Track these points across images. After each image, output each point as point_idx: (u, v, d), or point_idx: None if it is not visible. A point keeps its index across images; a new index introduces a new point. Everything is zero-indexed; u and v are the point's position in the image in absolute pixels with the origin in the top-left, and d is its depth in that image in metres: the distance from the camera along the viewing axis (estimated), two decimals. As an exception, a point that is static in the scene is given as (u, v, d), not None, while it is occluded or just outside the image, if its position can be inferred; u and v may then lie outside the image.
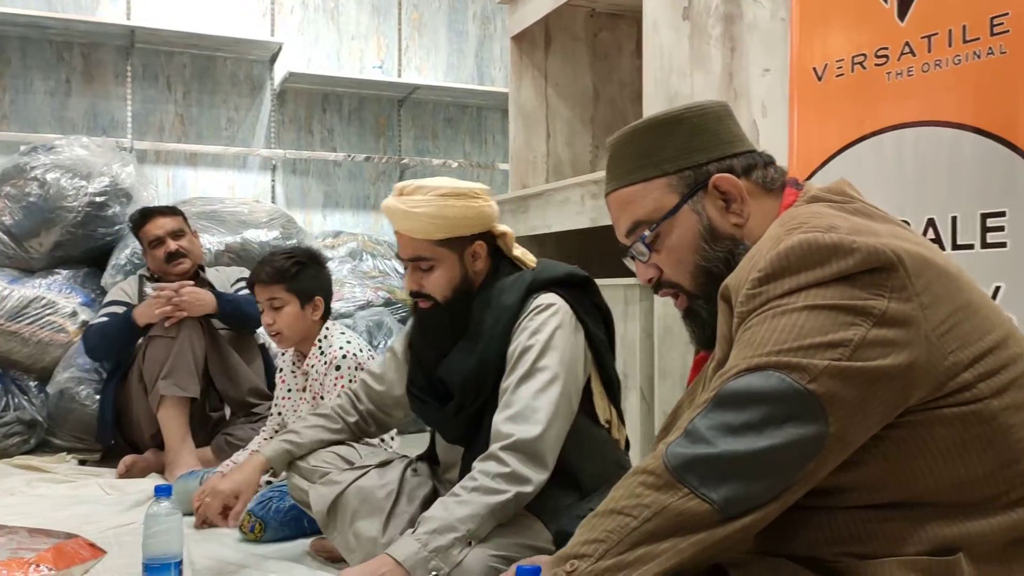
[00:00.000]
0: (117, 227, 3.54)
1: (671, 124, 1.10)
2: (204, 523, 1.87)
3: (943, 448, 0.86)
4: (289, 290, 2.25)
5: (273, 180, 4.58)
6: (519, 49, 3.41)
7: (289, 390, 2.36)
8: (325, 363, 2.24)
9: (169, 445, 2.77)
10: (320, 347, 2.29)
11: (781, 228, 0.95)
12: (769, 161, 1.12)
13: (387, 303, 4.04)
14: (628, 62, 3.43)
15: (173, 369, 2.76)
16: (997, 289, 1.65)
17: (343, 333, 2.33)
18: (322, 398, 2.22)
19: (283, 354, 2.43)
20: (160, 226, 3.06)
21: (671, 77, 2.52)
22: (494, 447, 1.51)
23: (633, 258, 1.15)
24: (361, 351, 2.27)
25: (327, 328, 2.32)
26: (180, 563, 1.63)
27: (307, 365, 2.29)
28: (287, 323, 2.26)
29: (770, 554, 0.92)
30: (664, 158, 1.09)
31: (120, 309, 2.96)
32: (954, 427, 0.86)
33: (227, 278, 3.25)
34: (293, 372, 2.37)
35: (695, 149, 1.09)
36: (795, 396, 0.83)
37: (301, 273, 2.26)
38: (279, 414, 2.37)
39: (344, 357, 2.22)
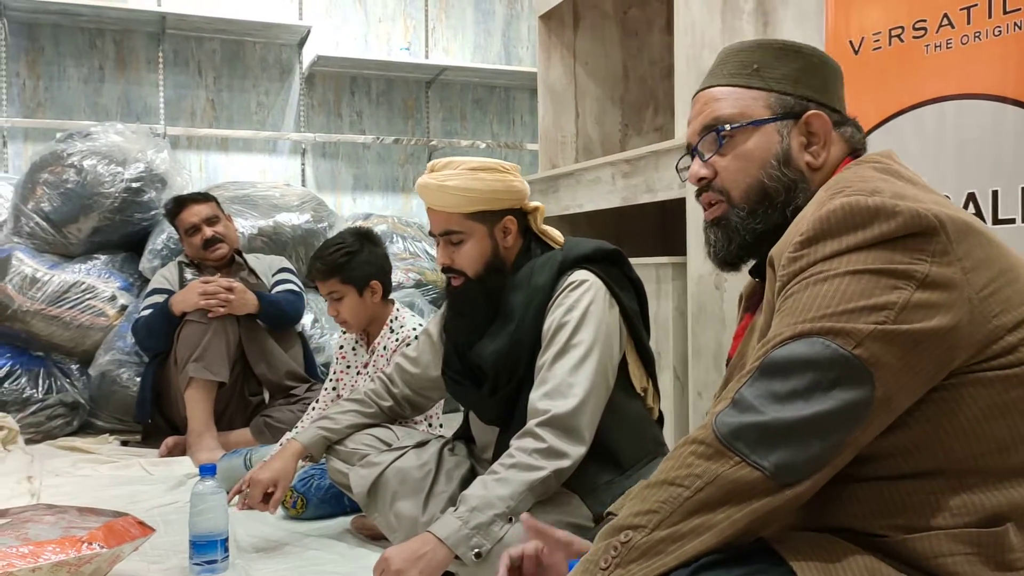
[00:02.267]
0: (153, 212, 3.59)
1: (792, 52, 1.11)
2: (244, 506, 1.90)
3: (984, 408, 0.87)
4: (344, 281, 2.29)
5: (303, 164, 4.61)
6: (547, 28, 3.39)
7: (348, 366, 2.42)
8: (396, 340, 2.31)
9: (192, 427, 2.81)
10: (391, 327, 2.35)
11: (826, 193, 0.96)
12: (859, 128, 1.12)
13: (418, 284, 4.07)
14: (658, 39, 3.40)
15: (205, 352, 2.80)
16: (1039, 264, 1.64)
17: (414, 316, 2.40)
18: None
19: (344, 332, 2.49)
20: (195, 213, 3.10)
21: (703, 53, 2.50)
22: (531, 423, 1.53)
23: (693, 156, 1.13)
24: None
25: (398, 310, 2.39)
26: (226, 540, 1.68)
27: (375, 343, 2.35)
28: (350, 312, 2.32)
29: (814, 529, 0.91)
30: (772, 76, 1.10)
31: (162, 297, 3.01)
32: (995, 389, 0.87)
33: (267, 267, 3.29)
34: (355, 350, 2.43)
35: (804, 84, 1.10)
36: (841, 361, 0.83)
37: (352, 262, 2.30)
38: (333, 389, 2.44)
39: (416, 338, 2.25)
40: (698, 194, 1.15)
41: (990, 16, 1.74)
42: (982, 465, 0.87)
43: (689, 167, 1.15)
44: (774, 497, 0.84)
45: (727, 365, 1.16)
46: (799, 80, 1.09)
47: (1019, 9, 1.69)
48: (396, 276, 4.02)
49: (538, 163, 3.48)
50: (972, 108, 1.77)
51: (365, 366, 2.38)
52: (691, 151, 1.15)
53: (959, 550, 0.84)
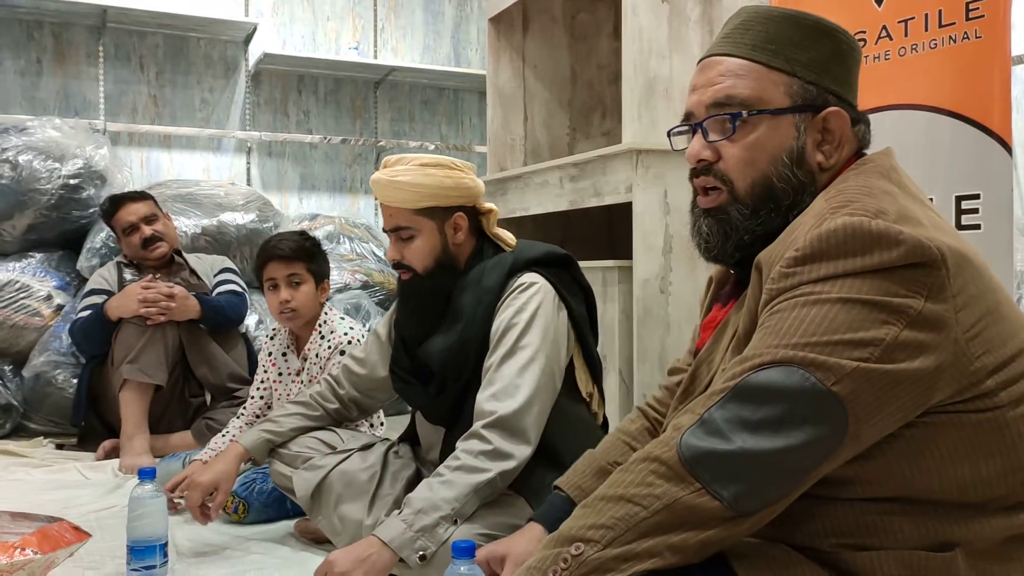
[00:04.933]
0: (92, 210, 3.49)
1: (822, 34, 1.01)
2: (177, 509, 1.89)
3: (952, 450, 0.85)
4: (309, 269, 2.28)
5: (248, 162, 4.54)
6: (496, 30, 3.40)
7: (280, 374, 2.34)
8: (328, 347, 2.24)
9: (124, 430, 2.74)
10: (320, 332, 2.28)
11: (827, 203, 0.91)
12: (869, 125, 1.05)
13: (364, 286, 4.04)
14: (606, 44, 3.43)
15: (140, 354, 2.74)
16: (971, 270, 1.69)
17: (343, 318, 2.34)
18: None
19: (271, 338, 2.41)
20: (132, 212, 3.03)
21: (650, 60, 2.53)
22: (477, 425, 1.53)
23: (695, 131, 1.04)
24: (363, 337, 2.28)
25: (326, 313, 2.33)
26: (165, 545, 1.64)
27: (306, 350, 2.28)
28: (303, 301, 2.26)
29: (769, 541, 0.91)
30: (799, 59, 1.00)
31: (100, 299, 2.93)
32: (967, 432, 0.85)
33: (209, 267, 3.23)
34: (285, 356, 2.34)
35: (830, 73, 1.00)
36: (817, 397, 0.81)
37: (318, 254, 2.32)
38: (261, 398, 2.35)
39: (350, 343, 2.23)
40: (694, 173, 1.05)
41: (927, 29, 1.80)
42: (940, 499, 0.87)
43: (681, 132, 1.07)
44: (729, 525, 0.83)
45: (693, 356, 1.12)
46: (826, 68, 1.00)
47: (954, 23, 1.75)
48: (343, 277, 3.99)
49: (486, 165, 3.48)
50: (908, 118, 1.82)
51: (298, 373, 2.31)
52: (692, 125, 1.05)
53: (904, 572, 0.84)
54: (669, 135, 1.13)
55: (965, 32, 1.73)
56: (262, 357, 2.40)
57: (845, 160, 1.01)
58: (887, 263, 0.83)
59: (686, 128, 1.07)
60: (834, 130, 1.00)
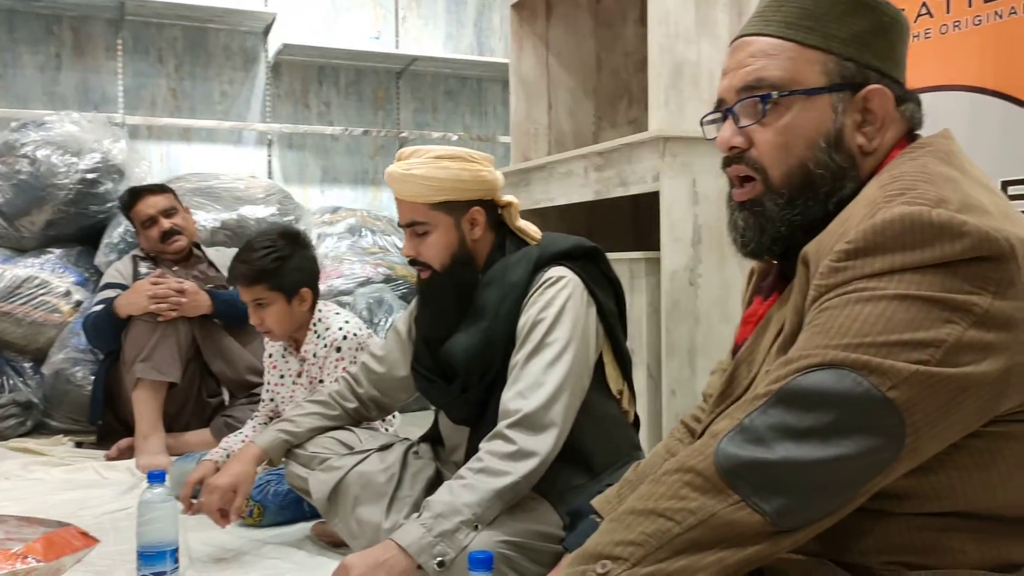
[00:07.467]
0: (110, 204, 3.47)
1: (861, 5, 0.92)
2: (194, 511, 1.82)
3: (1020, 461, 0.78)
4: (272, 288, 2.11)
5: (269, 155, 4.50)
6: (519, 18, 3.33)
7: (282, 376, 2.27)
8: (324, 346, 2.16)
9: (138, 429, 2.70)
10: (316, 331, 2.19)
11: (881, 190, 0.83)
12: (919, 104, 0.96)
13: (387, 279, 3.99)
14: (632, 30, 3.34)
15: (153, 351, 2.70)
16: (1020, 260, 1.60)
17: (338, 313, 2.24)
18: (321, 382, 2.15)
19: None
20: (151, 205, 3.00)
21: (677, 44, 2.44)
22: (501, 425, 1.47)
23: (726, 116, 0.97)
24: (360, 330, 2.20)
25: (319, 311, 2.22)
26: (176, 550, 1.59)
27: (303, 351, 2.20)
28: (275, 321, 2.14)
29: (813, 555, 0.84)
30: (836, 35, 0.92)
31: (114, 292, 2.89)
32: None
33: (228, 259, 3.18)
34: (285, 358, 2.28)
35: (871, 48, 0.92)
36: (871, 403, 0.73)
37: (283, 268, 2.12)
38: (271, 399, 2.30)
39: (345, 339, 2.15)
40: (726, 162, 0.99)
41: (970, 5, 1.70)
42: (1005, 515, 0.80)
43: (714, 121, 1.01)
44: (771, 543, 0.75)
45: (733, 354, 1.05)
46: (866, 43, 0.92)
47: (1000, -2, 1.65)
48: (366, 271, 3.94)
49: (510, 155, 3.41)
50: (951, 99, 1.73)
51: (299, 375, 2.24)
52: (724, 110, 0.98)
53: None
54: (702, 123, 1.05)
55: (1012, 7, 1.63)
56: (265, 359, 2.32)
57: (892, 143, 0.93)
58: (949, 256, 0.75)
59: (719, 115, 1.00)
60: (876, 110, 0.92)
